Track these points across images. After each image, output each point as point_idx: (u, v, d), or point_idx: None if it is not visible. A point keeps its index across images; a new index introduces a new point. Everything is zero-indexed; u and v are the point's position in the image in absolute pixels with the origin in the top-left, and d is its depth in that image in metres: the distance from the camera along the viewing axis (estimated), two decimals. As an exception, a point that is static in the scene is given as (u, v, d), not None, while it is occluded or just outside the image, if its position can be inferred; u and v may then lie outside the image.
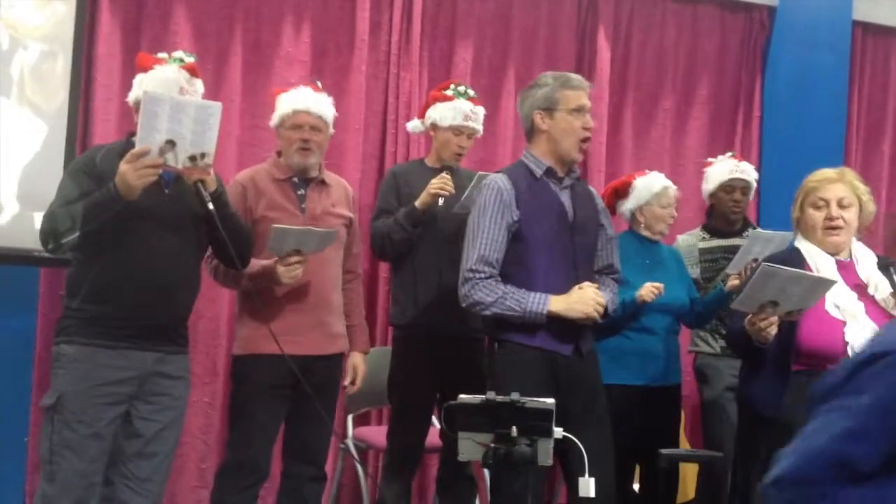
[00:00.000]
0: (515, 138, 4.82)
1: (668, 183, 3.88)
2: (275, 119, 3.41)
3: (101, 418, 2.78)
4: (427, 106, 3.79)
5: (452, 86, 3.75)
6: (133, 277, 2.81)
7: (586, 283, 3.00)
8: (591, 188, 3.31)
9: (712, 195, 4.29)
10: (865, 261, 3.03)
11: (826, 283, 2.80)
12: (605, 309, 3.04)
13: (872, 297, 2.94)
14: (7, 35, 3.80)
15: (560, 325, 2.94)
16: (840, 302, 2.88)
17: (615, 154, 5.07)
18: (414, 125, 3.89)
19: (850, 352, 2.80)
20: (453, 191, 3.51)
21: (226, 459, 3.37)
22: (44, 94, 3.86)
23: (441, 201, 3.51)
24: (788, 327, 2.84)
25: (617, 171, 5.00)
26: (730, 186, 4.22)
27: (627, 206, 3.85)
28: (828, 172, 3.10)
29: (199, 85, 3.00)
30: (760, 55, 5.30)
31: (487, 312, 2.95)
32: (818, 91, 5.19)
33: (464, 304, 3.00)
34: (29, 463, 4.05)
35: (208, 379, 4.29)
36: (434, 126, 3.71)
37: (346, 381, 3.53)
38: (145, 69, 2.96)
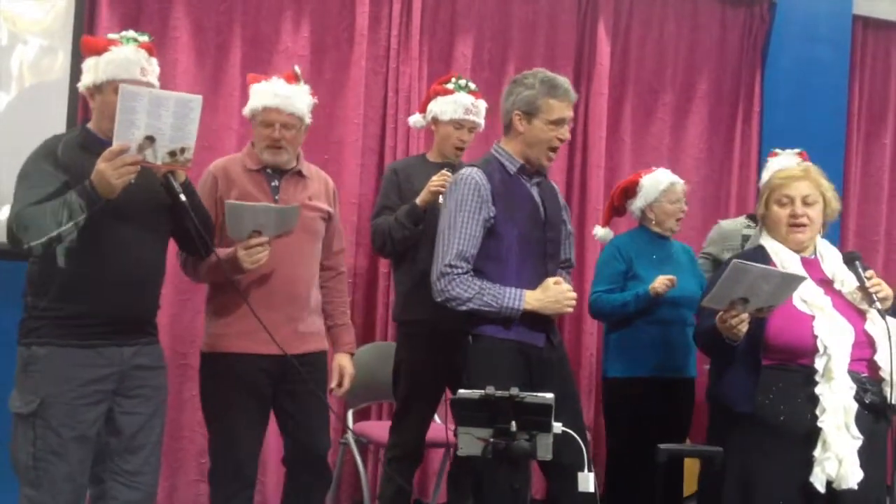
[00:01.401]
0: (515, 133, 4.81)
1: (676, 178, 3.89)
2: (247, 110, 3.26)
3: (85, 420, 2.69)
4: (428, 100, 3.78)
5: (453, 79, 3.74)
6: (105, 273, 2.70)
7: (559, 279, 3.02)
8: (554, 183, 3.32)
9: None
10: (830, 257, 3.05)
11: (796, 280, 2.81)
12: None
13: (839, 291, 2.96)
14: (6, 30, 3.80)
15: (532, 318, 2.97)
16: (807, 297, 2.90)
17: (615, 149, 5.06)
18: (415, 119, 3.88)
19: (819, 345, 2.82)
20: None
21: (210, 466, 3.23)
22: (43, 88, 3.85)
23: (442, 199, 3.50)
24: (757, 323, 2.86)
25: (616, 167, 5.00)
26: None
27: (637, 204, 3.86)
28: (792, 170, 3.12)
29: (156, 65, 2.86)
30: (760, 50, 5.30)
31: (464, 308, 2.96)
32: (818, 85, 5.19)
33: (439, 299, 2.99)
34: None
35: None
36: (435, 120, 3.70)
37: (333, 384, 3.38)
38: (98, 52, 2.78)
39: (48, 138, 2.82)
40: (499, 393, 2.27)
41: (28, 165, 2.74)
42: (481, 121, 3.76)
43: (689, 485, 4.74)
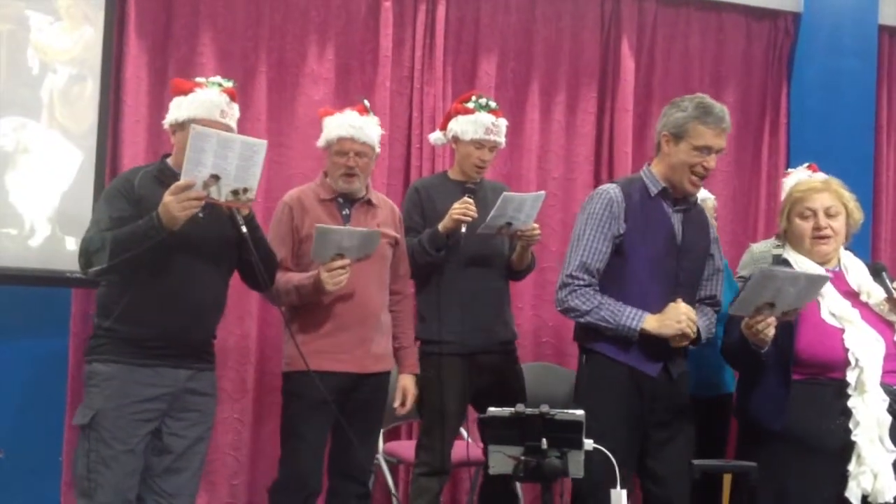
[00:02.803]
0: (540, 150, 4.82)
1: (707, 194, 3.86)
2: (322, 142, 3.42)
3: (135, 435, 2.82)
4: (448, 117, 3.78)
5: (474, 98, 3.74)
6: (166, 301, 2.86)
7: (679, 301, 2.96)
8: (708, 216, 3.28)
9: None
10: (855, 269, 3.02)
11: (821, 280, 2.79)
12: (699, 333, 3.02)
13: (866, 303, 2.93)
14: (37, 59, 3.87)
15: (651, 345, 2.93)
16: (835, 310, 2.87)
17: (641, 165, 5.01)
18: (436, 137, 3.88)
19: (851, 358, 2.79)
20: (476, 215, 3.50)
21: (278, 476, 3.37)
22: (73, 117, 3.92)
23: (464, 228, 3.51)
24: (787, 338, 2.83)
25: (643, 182, 4.99)
26: None
27: None
28: (813, 182, 3.10)
29: (236, 109, 3.04)
30: (786, 62, 5.26)
31: (581, 320, 2.96)
32: (846, 97, 5.15)
33: (559, 309, 3.01)
34: (63, 482, 4.09)
35: (238, 396, 4.31)
36: (456, 139, 3.71)
37: (397, 403, 3.53)
38: (184, 92, 2.98)
39: (130, 169, 3.11)
40: (529, 410, 2.27)
41: (107, 193, 2.98)
42: (502, 139, 3.75)
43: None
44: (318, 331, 3.27)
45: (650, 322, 2.91)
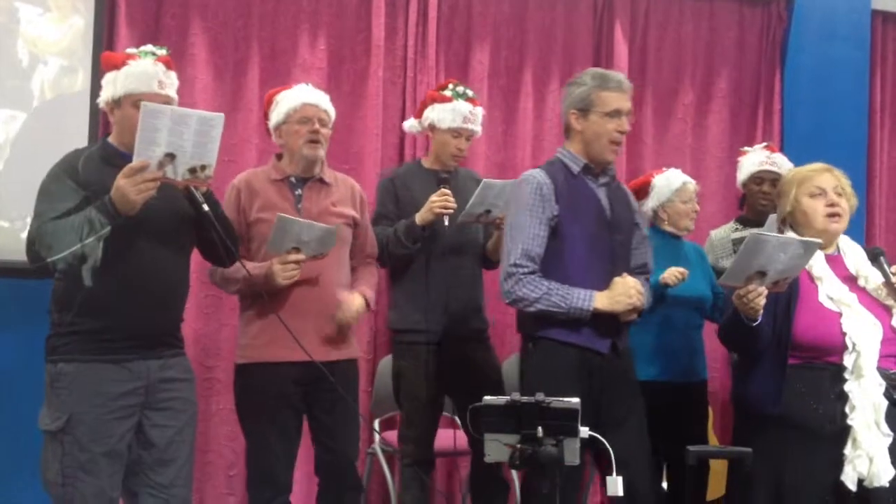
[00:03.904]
0: (534, 139, 4.81)
1: (687, 178, 3.87)
2: (278, 116, 3.31)
3: (114, 434, 2.71)
4: (424, 105, 3.75)
5: (451, 86, 3.71)
6: (129, 288, 2.72)
7: (625, 275, 2.98)
8: (626, 187, 3.30)
9: (744, 185, 4.28)
10: (853, 253, 3.01)
11: (813, 246, 2.77)
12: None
13: (863, 288, 2.93)
14: (27, 51, 3.84)
15: (599, 322, 2.93)
16: (833, 294, 2.86)
17: (636, 151, 5.04)
18: (411, 124, 3.85)
19: (848, 342, 2.79)
20: (455, 206, 3.48)
21: (247, 474, 3.32)
22: (64, 108, 3.89)
23: (446, 220, 3.48)
24: (783, 321, 2.83)
25: (638, 169, 4.98)
26: (759, 178, 4.21)
27: (649, 204, 3.84)
28: (815, 165, 3.07)
29: (174, 78, 2.88)
30: (779, 48, 5.26)
31: (532, 309, 2.92)
32: (839, 82, 5.15)
33: (507, 301, 2.97)
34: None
35: (232, 387, 4.28)
36: (432, 127, 3.68)
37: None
38: (116, 66, 2.81)
39: (68, 153, 2.85)
40: (524, 398, 2.27)
41: (48, 180, 2.76)
42: (479, 128, 3.73)
43: (716, 488, 4.71)
44: (269, 320, 3.13)
45: (601, 300, 2.91)
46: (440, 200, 3.46)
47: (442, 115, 3.64)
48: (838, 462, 2.76)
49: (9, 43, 3.81)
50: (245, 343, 3.25)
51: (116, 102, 2.81)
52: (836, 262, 2.97)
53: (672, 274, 3.53)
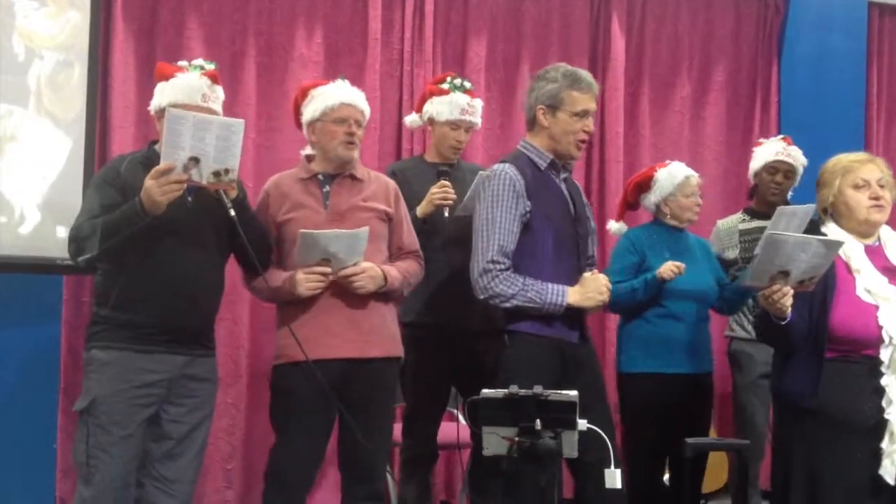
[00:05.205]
0: (532, 132, 4.81)
1: (690, 172, 3.85)
2: (313, 113, 3.18)
3: (133, 420, 2.83)
4: (423, 99, 3.74)
5: (448, 79, 3.70)
6: (160, 287, 2.85)
7: (595, 272, 3.06)
8: (575, 181, 3.33)
9: (756, 175, 4.28)
10: (894, 244, 2.97)
11: (834, 245, 2.74)
12: None
13: None
14: (23, 45, 3.83)
15: (568, 314, 2.99)
16: (871, 286, 2.83)
17: (633, 144, 5.05)
18: (412, 119, 3.84)
19: (885, 336, 2.76)
20: (455, 198, 3.47)
21: (266, 467, 3.17)
22: (61, 103, 3.89)
23: (446, 212, 3.47)
24: (820, 314, 2.80)
25: (635, 161, 4.98)
26: (773, 168, 4.20)
27: (652, 198, 3.82)
28: (859, 155, 3.03)
29: (220, 92, 3.02)
30: (776, 40, 5.26)
31: (508, 305, 2.94)
32: (836, 74, 5.16)
33: (482, 297, 2.97)
34: (58, 469, 4.09)
35: (231, 381, 4.31)
36: (431, 121, 3.67)
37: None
38: (166, 77, 2.97)
39: (115, 157, 3.10)
40: (522, 391, 2.27)
41: (95, 181, 3.01)
42: (478, 120, 3.72)
43: (716, 481, 4.72)
44: (302, 318, 3.06)
45: (573, 296, 2.97)
46: (440, 192, 3.47)
47: (440, 107, 3.63)
48: (876, 456, 2.74)
49: (5, 37, 3.79)
50: (281, 344, 3.15)
51: (162, 112, 2.90)
52: (876, 252, 2.92)
53: (668, 268, 3.53)
